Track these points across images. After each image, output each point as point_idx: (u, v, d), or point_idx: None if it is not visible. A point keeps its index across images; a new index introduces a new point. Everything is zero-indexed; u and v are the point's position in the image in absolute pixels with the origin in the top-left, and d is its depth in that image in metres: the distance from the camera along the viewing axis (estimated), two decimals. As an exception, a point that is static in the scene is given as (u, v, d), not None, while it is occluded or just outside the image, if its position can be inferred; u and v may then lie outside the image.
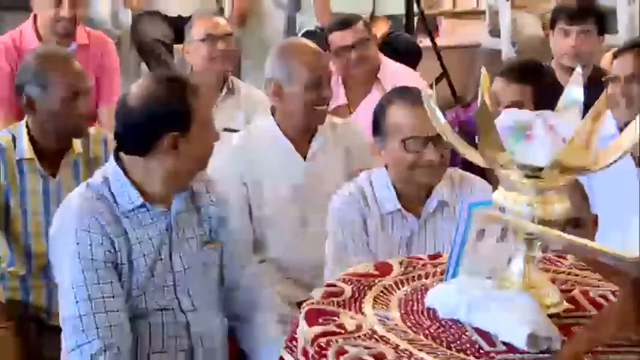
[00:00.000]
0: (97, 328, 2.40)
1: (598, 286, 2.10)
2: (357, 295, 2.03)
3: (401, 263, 2.23)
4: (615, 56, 3.37)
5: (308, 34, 5.23)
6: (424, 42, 5.85)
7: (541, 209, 1.88)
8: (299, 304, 2.39)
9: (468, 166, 2.74)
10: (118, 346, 2.42)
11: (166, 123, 2.45)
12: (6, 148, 3.12)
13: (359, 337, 1.83)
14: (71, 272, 2.44)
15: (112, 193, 2.50)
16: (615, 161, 1.88)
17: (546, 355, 1.76)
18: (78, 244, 2.44)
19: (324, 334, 1.84)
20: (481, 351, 1.79)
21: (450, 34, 7.00)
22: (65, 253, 2.46)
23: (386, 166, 2.87)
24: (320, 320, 1.90)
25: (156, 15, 5.25)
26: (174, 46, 5.09)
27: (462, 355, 1.77)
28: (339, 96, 4.18)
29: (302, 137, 3.30)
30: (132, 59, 5.28)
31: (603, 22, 4.28)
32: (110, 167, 2.55)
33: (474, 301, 1.88)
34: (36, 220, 3.13)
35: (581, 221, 2.77)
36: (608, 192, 2.99)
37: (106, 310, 2.42)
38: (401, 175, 2.82)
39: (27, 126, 3.14)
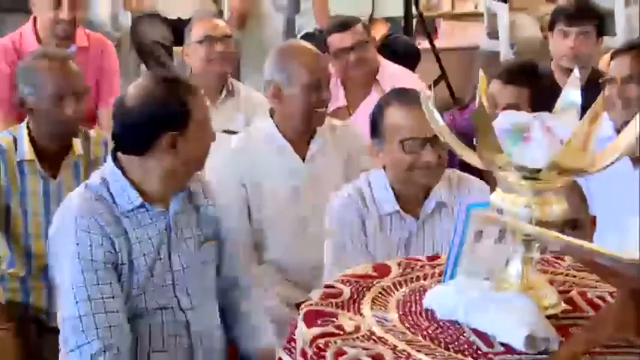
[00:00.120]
0: (97, 329, 2.41)
1: (596, 287, 2.10)
2: (355, 297, 2.04)
3: (399, 264, 2.23)
4: (612, 58, 3.36)
5: (307, 37, 5.22)
6: (423, 44, 5.86)
7: (539, 210, 1.88)
8: (298, 306, 2.40)
9: (466, 167, 2.74)
10: (118, 346, 2.42)
11: (165, 122, 2.45)
12: (7, 150, 3.13)
13: (357, 338, 1.83)
14: (71, 273, 2.44)
15: (110, 194, 2.50)
16: (612, 163, 1.89)
17: (544, 356, 1.76)
18: (78, 244, 2.44)
19: (323, 335, 1.84)
20: (479, 352, 1.79)
21: (449, 36, 7.01)
22: (65, 253, 2.47)
23: (384, 168, 2.87)
24: (318, 321, 1.90)
25: (155, 17, 5.24)
26: (174, 48, 5.09)
27: (459, 356, 1.78)
28: (338, 98, 4.18)
29: (301, 139, 3.30)
30: (131, 61, 5.27)
31: (602, 23, 4.28)
32: (108, 168, 2.55)
33: (472, 302, 1.88)
34: (36, 221, 3.13)
35: (579, 222, 2.77)
36: (606, 193, 2.98)
37: (106, 310, 2.42)
38: (399, 176, 2.83)
39: (28, 127, 3.15)
